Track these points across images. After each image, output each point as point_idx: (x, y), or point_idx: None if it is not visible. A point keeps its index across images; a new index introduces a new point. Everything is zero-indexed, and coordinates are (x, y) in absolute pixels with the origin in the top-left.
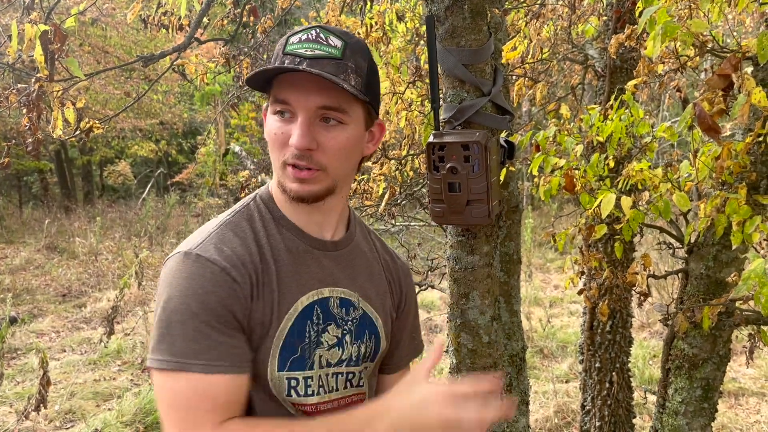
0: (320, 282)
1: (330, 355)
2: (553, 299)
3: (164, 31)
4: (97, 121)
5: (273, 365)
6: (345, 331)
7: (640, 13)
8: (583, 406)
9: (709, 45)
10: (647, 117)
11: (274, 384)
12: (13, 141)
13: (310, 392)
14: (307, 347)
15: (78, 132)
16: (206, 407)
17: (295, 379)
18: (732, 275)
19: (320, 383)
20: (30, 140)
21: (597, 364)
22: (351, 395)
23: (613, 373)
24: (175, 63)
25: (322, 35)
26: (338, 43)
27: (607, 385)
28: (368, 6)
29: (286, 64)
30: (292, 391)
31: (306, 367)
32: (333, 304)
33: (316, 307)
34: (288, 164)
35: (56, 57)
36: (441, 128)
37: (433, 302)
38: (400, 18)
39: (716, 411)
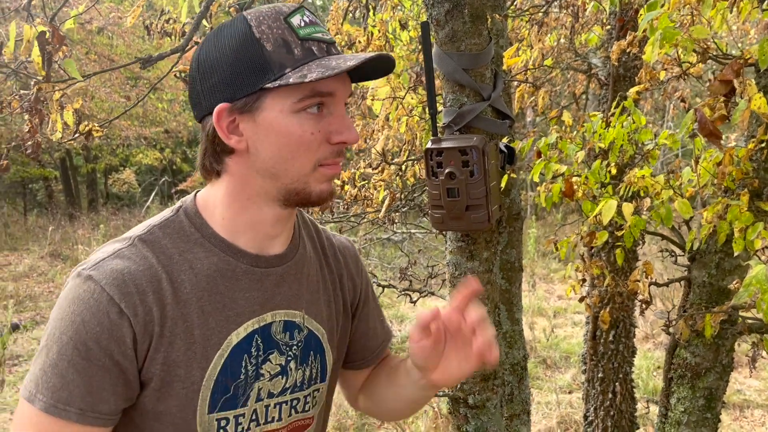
0: (262, 306)
1: (272, 385)
2: (556, 309)
3: (168, 39)
4: (96, 124)
5: (203, 408)
6: (289, 358)
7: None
8: (585, 417)
9: (711, 52)
10: (650, 125)
11: (203, 428)
12: (13, 144)
13: (239, 430)
14: (242, 384)
15: (77, 135)
16: None
17: (225, 419)
18: (734, 283)
19: (253, 417)
20: (29, 143)
21: (600, 374)
22: (293, 422)
23: (616, 384)
24: (176, 68)
25: (314, 17)
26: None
27: (610, 395)
28: (371, 14)
29: (316, 52)
30: None
31: (239, 405)
32: (276, 329)
33: (256, 337)
34: (323, 164)
35: (53, 59)
36: (439, 134)
37: None
38: (404, 26)
39: (719, 421)
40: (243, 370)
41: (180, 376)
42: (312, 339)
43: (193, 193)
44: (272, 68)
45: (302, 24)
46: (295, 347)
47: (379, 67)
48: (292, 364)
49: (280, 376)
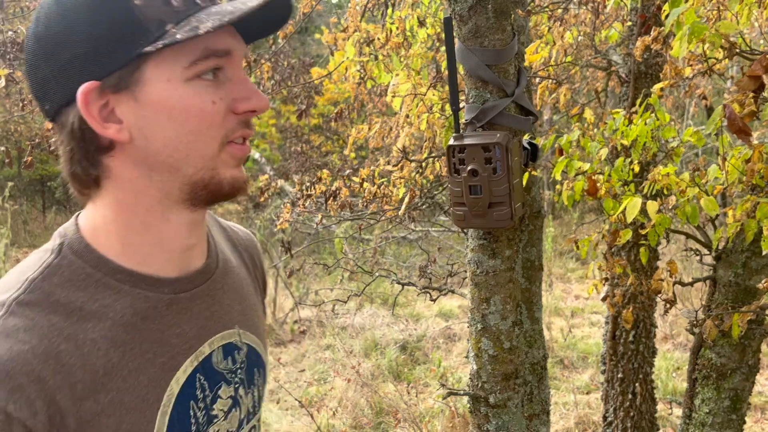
0: (197, 338)
1: (229, 423)
2: (574, 309)
3: None
4: None
5: None
6: (237, 385)
7: (667, 16)
8: (605, 418)
9: (738, 48)
10: (672, 123)
11: None
12: (36, 141)
13: None
14: None
15: None
16: None
17: None
18: (764, 282)
19: None
20: (53, 139)
21: (620, 375)
22: None
23: (636, 384)
24: None
25: None
26: None
27: (630, 396)
28: (389, 11)
29: (200, 2)
30: None
31: None
32: (217, 359)
33: (199, 376)
34: (230, 141)
35: None
36: (461, 131)
37: (452, 310)
38: (422, 23)
39: (744, 423)
40: (193, 420)
41: None
42: (252, 355)
43: (73, 219)
44: (148, 26)
45: None
46: (239, 371)
47: (272, 16)
48: (241, 391)
49: (234, 410)
